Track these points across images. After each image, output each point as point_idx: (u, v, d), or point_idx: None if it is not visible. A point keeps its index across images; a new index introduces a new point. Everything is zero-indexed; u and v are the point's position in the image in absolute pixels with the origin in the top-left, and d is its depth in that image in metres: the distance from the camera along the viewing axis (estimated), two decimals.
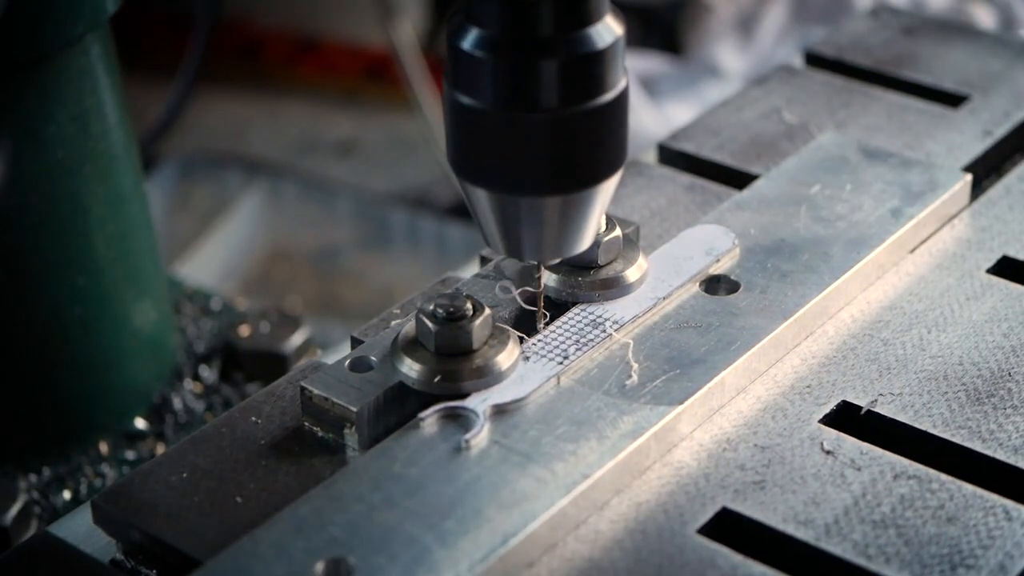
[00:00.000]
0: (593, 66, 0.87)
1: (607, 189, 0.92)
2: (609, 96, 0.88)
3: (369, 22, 2.74)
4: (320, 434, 0.96)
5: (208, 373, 1.45)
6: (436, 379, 0.95)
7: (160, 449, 1.35)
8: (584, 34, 0.86)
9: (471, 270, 1.12)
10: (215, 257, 2.43)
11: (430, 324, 0.95)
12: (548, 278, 1.03)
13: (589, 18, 0.86)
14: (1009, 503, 0.91)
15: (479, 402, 0.94)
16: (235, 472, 0.94)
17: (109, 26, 1.27)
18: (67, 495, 1.32)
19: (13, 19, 1.13)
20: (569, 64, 0.86)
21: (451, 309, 0.96)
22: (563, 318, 1.01)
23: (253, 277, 2.48)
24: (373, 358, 0.98)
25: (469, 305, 0.96)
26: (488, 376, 0.95)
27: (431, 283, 1.09)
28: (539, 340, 1.00)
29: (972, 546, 0.88)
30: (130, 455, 1.36)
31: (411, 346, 0.97)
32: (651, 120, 2.30)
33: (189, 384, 1.43)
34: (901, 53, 1.37)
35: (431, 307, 0.96)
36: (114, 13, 1.25)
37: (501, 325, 0.98)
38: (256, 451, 0.96)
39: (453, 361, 0.95)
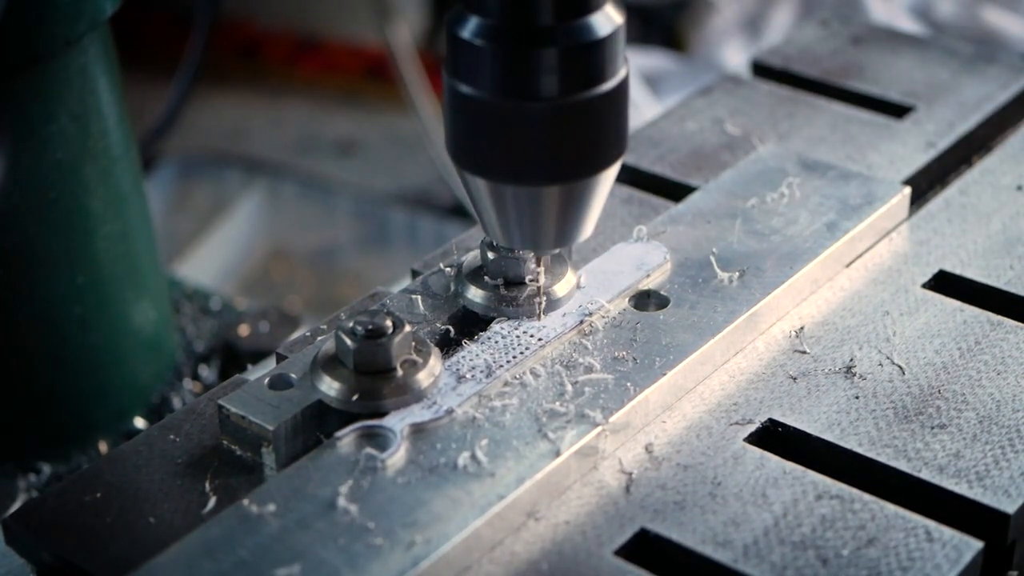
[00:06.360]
0: (593, 55, 0.86)
1: (607, 179, 0.91)
2: (609, 85, 0.87)
3: (369, 22, 2.73)
4: (238, 453, 0.95)
5: (207, 373, 1.45)
6: (354, 397, 0.94)
7: None
8: (584, 22, 0.85)
9: None
10: (215, 257, 2.43)
11: (349, 341, 0.94)
12: (474, 294, 1.02)
13: (589, 6, 0.85)
14: (931, 524, 0.90)
15: (397, 421, 0.93)
16: (150, 492, 0.93)
17: (109, 26, 1.27)
18: None
19: (13, 19, 1.13)
20: (569, 52, 0.85)
21: (370, 326, 0.94)
22: (487, 333, 1.00)
23: (253, 277, 2.47)
24: (293, 375, 0.97)
25: (389, 322, 0.95)
26: (408, 394, 0.94)
27: (360, 298, 1.08)
28: (463, 357, 0.98)
29: (891, 568, 0.87)
30: None
31: (330, 364, 0.95)
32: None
33: (189, 384, 1.43)
34: (848, 63, 1.36)
35: (351, 324, 0.95)
36: (114, 13, 1.24)
37: (423, 341, 0.97)
38: (173, 470, 0.95)
39: (372, 379, 0.94)
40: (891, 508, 0.91)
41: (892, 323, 1.05)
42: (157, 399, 1.40)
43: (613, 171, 0.91)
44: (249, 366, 1.40)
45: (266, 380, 0.96)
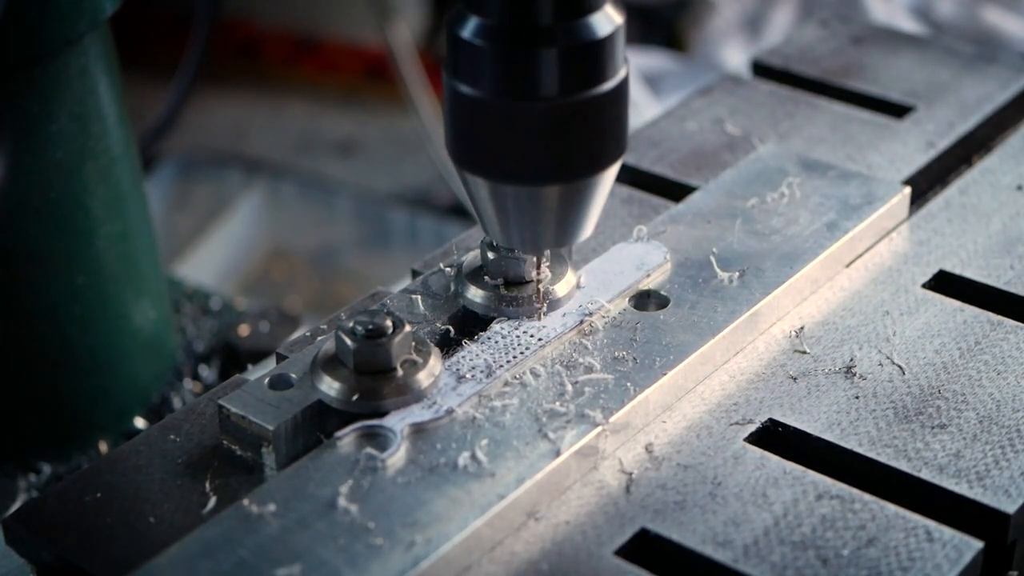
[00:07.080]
0: (593, 55, 0.86)
1: (607, 179, 0.91)
2: (609, 85, 0.88)
3: (369, 22, 2.74)
4: (238, 453, 0.95)
5: (208, 373, 1.45)
6: (354, 397, 0.94)
7: None
8: (584, 22, 0.85)
9: None
10: (215, 257, 2.43)
11: (349, 341, 0.94)
12: (474, 294, 1.02)
13: (589, 6, 0.86)
14: (931, 524, 0.90)
15: (397, 421, 0.93)
16: (150, 492, 0.93)
17: (109, 26, 1.27)
18: None
19: (13, 19, 1.13)
20: (569, 53, 0.85)
21: (370, 326, 0.94)
22: (487, 333, 1.00)
23: (253, 277, 2.48)
24: (293, 375, 0.96)
25: (389, 322, 0.95)
26: (408, 394, 0.94)
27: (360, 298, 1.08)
28: (463, 357, 0.98)
29: (891, 568, 0.87)
30: None
31: (330, 364, 0.95)
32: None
33: (189, 384, 1.43)
34: (849, 63, 1.36)
35: (351, 324, 0.95)
36: (114, 13, 1.25)
37: (423, 341, 0.97)
38: (173, 470, 0.95)
39: (372, 379, 0.94)
40: (891, 508, 0.91)
41: (892, 323, 1.05)
42: (157, 399, 1.40)
43: (613, 171, 0.92)
44: (249, 366, 1.40)
45: (266, 380, 0.96)
